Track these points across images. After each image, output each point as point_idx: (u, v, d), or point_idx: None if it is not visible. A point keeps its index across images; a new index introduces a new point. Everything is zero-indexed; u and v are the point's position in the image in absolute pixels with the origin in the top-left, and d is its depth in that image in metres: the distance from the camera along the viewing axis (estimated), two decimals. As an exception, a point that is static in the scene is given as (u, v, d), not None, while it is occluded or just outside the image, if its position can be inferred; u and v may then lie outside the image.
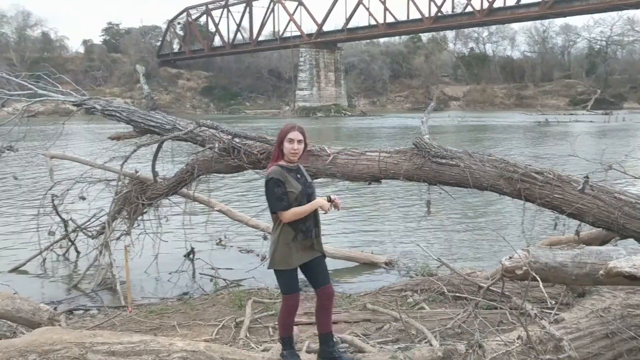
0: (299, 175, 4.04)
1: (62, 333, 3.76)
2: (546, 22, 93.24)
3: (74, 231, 9.30)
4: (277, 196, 3.88)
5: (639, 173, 6.81)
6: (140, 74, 9.15)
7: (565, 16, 68.34)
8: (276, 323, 5.93)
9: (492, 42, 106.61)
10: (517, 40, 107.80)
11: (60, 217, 9.18)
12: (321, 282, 4.14)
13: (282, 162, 4.03)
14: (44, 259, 9.06)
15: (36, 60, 71.39)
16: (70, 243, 9.40)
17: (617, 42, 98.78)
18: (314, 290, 4.21)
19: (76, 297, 7.91)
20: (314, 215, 4.06)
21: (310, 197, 4.03)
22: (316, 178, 6.98)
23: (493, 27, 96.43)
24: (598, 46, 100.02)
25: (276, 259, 4.00)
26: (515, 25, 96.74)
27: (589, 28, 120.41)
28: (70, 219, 9.31)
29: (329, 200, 4.03)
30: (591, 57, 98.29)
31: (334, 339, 4.34)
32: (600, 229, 6.22)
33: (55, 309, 6.73)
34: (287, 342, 4.21)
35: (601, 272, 3.69)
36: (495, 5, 64.77)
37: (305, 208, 3.94)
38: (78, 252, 9.49)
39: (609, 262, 3.68)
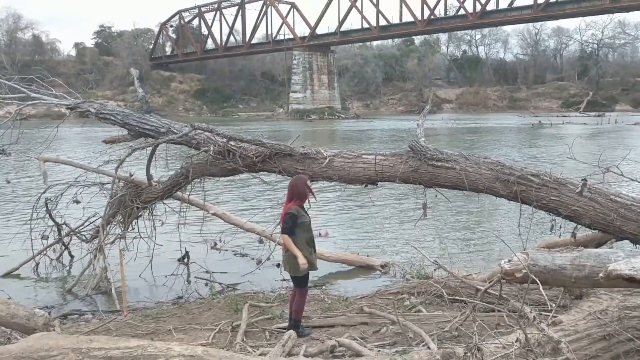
0: (304, 211, 5.81)
1: (58, 338, 3.71)
2: (538, 24, 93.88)
3: (67, 235, 9.21)
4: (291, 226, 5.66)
5: (635, 175, 6.82)
6: (134, 77, 9.09)
7: (557, 19, 68.81)
8: (273, 327, 5.96)
9: (484, 45, 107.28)
10: (509, 43, 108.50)
11: (54, 221, 9.10)
12: None
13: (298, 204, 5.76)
14: (37, 264, 8.97)
15: (27, 63, 71.06)
16: (63, 247, 9.32)
17: (609, 44, 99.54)
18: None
19: (70, 302, 7.85)
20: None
21: (309, 225, 5.80)
22: (313, 181, 6.96)
23: (486, 30, 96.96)
24: (590, 49, 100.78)
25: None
26: (507, 28, 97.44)
27: (580, 31, 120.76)
28: (64, 222, 9.22)
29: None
30: (583, 60, 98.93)
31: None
32: (597, 231, 6.22)
33: (49, 313, 6.66)
34: None
35: (601, 274, 3.68)
36: (488, 7, 65.07)
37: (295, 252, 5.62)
38: (72, 257, 9.40)
39: (609, 265, 3.67)
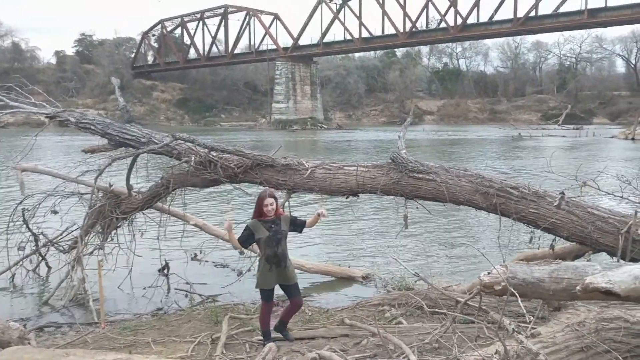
0: (272, 225, 5.56)
1: (34, 352, 3.65)
2: (518, 38, 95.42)
3: (44, 246, 9.04)
4: (242, 236, 5.63)
5: (611, 188, 6.94)
6: (115, 86, 9.02)
7: (536, 33, 69.96)
8: (253, 339, 5.91)
9: (465, 58, 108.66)
10: (490, 56, 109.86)
11: (31, 231, 8.93)
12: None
13: (261, 218, 5.59)
14: (13, 275, 8.79)
15: (6, 70, 70.23)
16: (40, 258, 9.16)
17: (587, 58, 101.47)
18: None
19: (47, 314, 7.71)
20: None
21: (279, 241, 5.55)
22: (294, 192, 6.97)
23: (466, 43, 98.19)
24: (568, 62, 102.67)
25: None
26: (488, 41, 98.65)
27: (559, 45, 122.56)
28: (41, 233, 9.07)
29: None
30: (562, 73, 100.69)
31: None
32: (575, 243, 6.31)
33: (24, 326, 6.53)
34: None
35: (578, 287, 3.72)
36: (469, 21, 65.96)
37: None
38: (49, 268, 9.24)
39: (586, 278, 3.72)
